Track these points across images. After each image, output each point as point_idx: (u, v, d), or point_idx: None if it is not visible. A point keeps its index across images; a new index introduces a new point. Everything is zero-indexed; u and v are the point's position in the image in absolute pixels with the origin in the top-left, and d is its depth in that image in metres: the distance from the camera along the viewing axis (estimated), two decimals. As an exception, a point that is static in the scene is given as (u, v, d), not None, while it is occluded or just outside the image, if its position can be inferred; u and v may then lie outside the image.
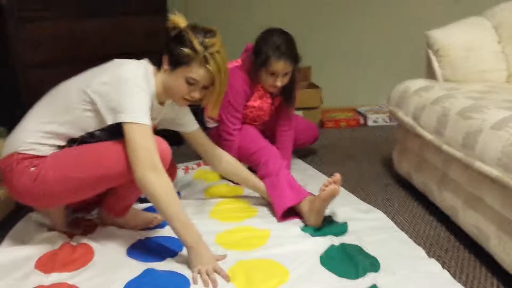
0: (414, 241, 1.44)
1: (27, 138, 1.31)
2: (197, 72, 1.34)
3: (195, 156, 2.40)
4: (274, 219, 1.62)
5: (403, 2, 3.09)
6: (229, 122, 1.94)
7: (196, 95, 1.38)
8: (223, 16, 3.04)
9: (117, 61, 1.34)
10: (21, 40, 1.90)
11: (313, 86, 3.00)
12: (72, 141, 1.34)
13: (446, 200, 1.51)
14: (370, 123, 3.01)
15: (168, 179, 1.26)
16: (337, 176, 1.51)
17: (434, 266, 1.28)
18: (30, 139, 1.30)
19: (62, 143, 1.34)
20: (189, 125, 1.62)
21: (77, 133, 1.33)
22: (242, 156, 1.90)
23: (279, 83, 1.86)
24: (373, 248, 1.38)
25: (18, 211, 1.66)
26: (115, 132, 1.29)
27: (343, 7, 3.12)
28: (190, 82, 1.35)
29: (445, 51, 1.89)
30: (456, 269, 1.31)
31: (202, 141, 1.65)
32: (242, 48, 2.00)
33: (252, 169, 1.85)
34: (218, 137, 2.00)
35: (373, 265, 1.29)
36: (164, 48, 1.39)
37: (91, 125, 1.33)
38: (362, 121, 3.03)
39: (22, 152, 1.29)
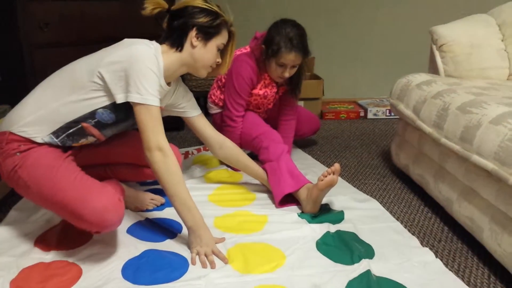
0: (409, 230, 1.47)
1: (22, 118, 1.27)
2: (225, 37, 1.43)
3: (195, 141, 2.43)
4: (272, 205, 1.64)
5: (408, -4, 3.10)
6: (233, 109, 1.94)
7: (219, 58, 1.45)
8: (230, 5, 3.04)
9: (127, 41, 1.33)
10: (29, 20, 1.90)
11: (315, 77, 3.02)
12: (70, 126, 1.30)
13: (442, 192, 1.54)
14: (370, 116, 3.02)
15: (174, 159, 1.28)
16: (336, 166, 1.52)
17: (428, 255, 1.31)
18: (24, 119, 1.26)
19: (56, 127, 1.29)
20: (192, 110, 1.62)
21: (76, 115, 1.29)
22: (244, 141, 1.91)
23: (287, 74, 1.86)
24: (368, 236, 1.41)
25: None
26: (118, 109, 1.31)
27: (348, -1, 3.14)
28: (219, 48, 1.43)
29: (449, 47, 1.90)
30: (449, 258, 1.34)
31: (204, 127, 1.65)
32: (247, 36, 2.00)
33: (253, 155, 1.87)
34: (221, 122, 2.01)
35: (368, 252, 1.32)
36: (173, 27, 1.39)
37: (94, 105, 1.30)
38: (362, 113, 3.05)
39: (14, 132, 1.26)
